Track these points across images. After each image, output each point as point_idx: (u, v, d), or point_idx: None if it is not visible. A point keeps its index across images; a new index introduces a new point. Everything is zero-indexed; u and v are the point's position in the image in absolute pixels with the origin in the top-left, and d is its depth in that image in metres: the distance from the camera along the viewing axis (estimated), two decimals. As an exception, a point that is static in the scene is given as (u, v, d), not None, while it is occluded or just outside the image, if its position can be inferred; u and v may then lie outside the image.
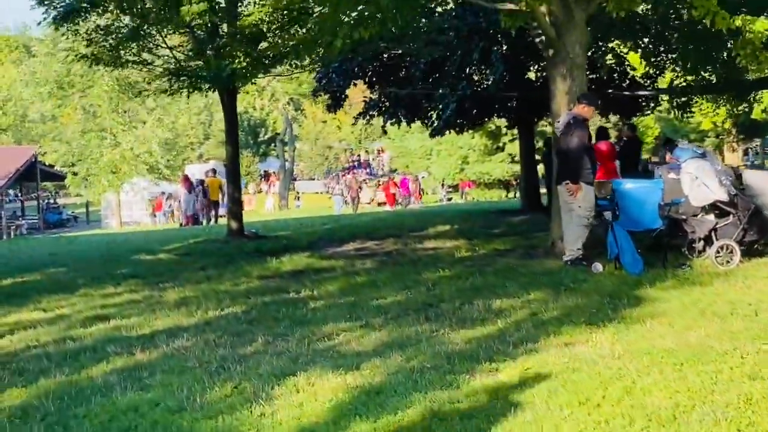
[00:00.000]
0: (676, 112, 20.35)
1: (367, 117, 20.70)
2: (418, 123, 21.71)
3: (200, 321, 8.26)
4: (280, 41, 13.17)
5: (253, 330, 7.68)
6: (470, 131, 25.50)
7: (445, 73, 19.00)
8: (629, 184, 9.85)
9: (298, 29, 12.84)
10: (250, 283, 10.53)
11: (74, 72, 41.95)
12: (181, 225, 29.30)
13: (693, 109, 21.29)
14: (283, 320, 8.04)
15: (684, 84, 19.48)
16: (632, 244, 9.38)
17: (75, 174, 43.31)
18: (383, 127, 20.94)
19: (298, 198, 61.01)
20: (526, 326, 7.15)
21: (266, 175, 75.77)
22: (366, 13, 9.28)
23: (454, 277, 9.86)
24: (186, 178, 29.67)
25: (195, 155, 75.76)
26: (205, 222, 28.85)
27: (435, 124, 20.60)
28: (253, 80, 14.64)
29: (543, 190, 21.60)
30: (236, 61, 12.99)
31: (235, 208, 15.98)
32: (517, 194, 42.73)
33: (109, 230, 36.07)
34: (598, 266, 9.48)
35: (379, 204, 44.25)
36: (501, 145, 36.73)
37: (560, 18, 10.25)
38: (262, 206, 53.05)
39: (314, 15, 11.48)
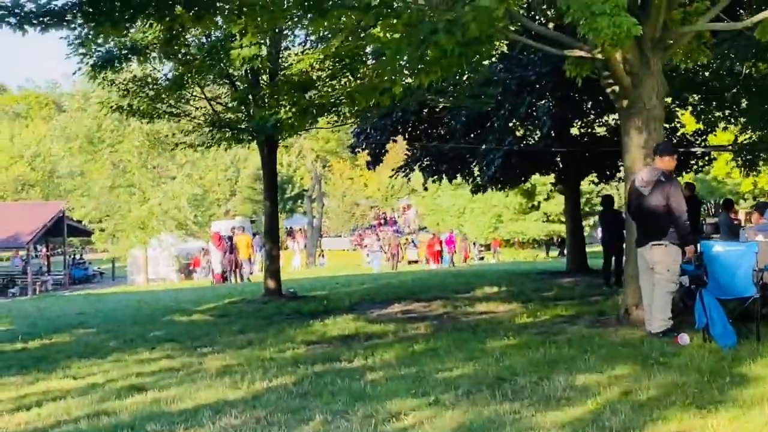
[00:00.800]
0: (742, 170, 19.47)
1: (407, 172, 19.98)
2: (447, 180, 20.91)
3: (247, 394, 7.41)
4: (330, 90, 12.54)
5: (308, 405, 6.82)
6: (509, 189, 24.79)
7: (488, 128, 18.35)
8: (719, 247, 8.95)
9: (350, 77, 12.24)
10: (297, 349, 9.67)
11: (105, 127, 41.81)
12: (212, 283, 28.60)
13: (759, 168, 20.32)
14: (340, 394, 7.17)
15: (749, 141, 18.66)
16: (723, 313, 8.45)
17: (102, 230, 42.88)
18: (424, 183, 20.25)
19: (323, 255, 60.14)
20: (623, 408, 6.24)
21: (290, 232, 75.14)
22: (428, 58, 8.55)
23: (522, 347, 8.96)
24: (217, 236, 29.04)
25: (221, 211, 75.55)
26: (232, 280, 28.16)
27: (477, 181, 19.86)
28: (299, 131, 13.97)
29: (589, 249, 20.79)
30: (282, 110, 12.35)
31: (273, 266, 15.20)
32: (552, 253, 41.81)
33: (136, 287, 35.36)
34: (685, 338, 8.56)
35: (409, 262, 43.42)
36: (536, 203, 35.97)
37: (636, 66, 9.49)
38: (288, 264, 52.23)
39: (370, 61, 10.85)
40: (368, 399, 6.94)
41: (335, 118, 14.73)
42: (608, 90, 10.05)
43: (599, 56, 9.37)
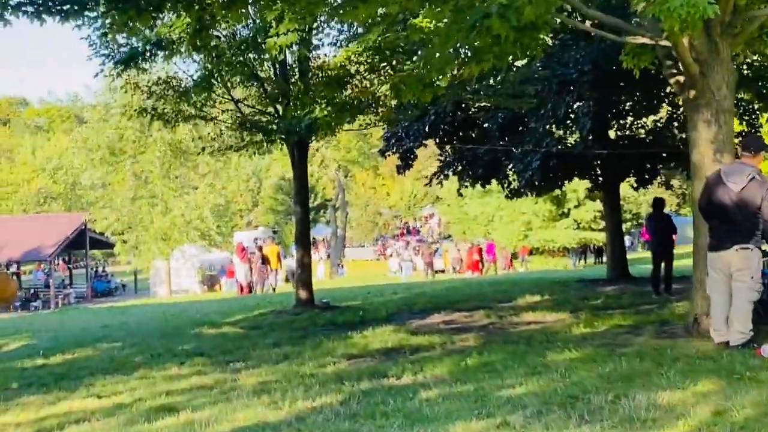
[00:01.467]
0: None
1: (441, 177, 19.22)
2: (480, 185, 20.05)
3: (289, 415, 6.69)
4: (368, 85, 11.83)
5: (360, 429, 6.09)
6: (545, 194, 24.00)
7: (524, 130, 17.60)
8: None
9: (390, 71, 11.54)
10: (338, 364, 8.92)
11: (126, 137, 41.39)
12: (237, 294, 28.01)
13: None
14: (394, 416, 6.42)
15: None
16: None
17: (125, 242, 42.39)
18: (459, 189, 19.45)
19: (341, 266, 59.11)
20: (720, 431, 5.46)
21: (313, 242, 74.35)
22: (480, 46, 7.81)
23: (587, 360, 8.16)
24: (241, 247, 28.44)
25: (244, 222, 75.12)
26: (258, 290, 27.53)
27: (512, 185, 19.09)
28: (335, 131, 13.22)
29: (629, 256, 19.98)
30: (317, 108, 11.63)
31: (305, 275, 14.46)
32: (586, 261, 40.81)
33: (160, 299, 34.80)
34: (767, 349, 7.74)
35: (435, 272, 42.52)
36: (566, 210, 35.12)
37: (704, 53, 8.70)
38: (312, 274, 51.61)
39: (416, 51, 10.14)
40: (427, 421, 6.19)
41: (373, 118, 13.96)
42: (672, 81, 9.26)
43: (664, 42, 8.60)
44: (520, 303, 14.43)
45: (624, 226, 38.64)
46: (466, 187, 19.58)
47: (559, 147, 17.35)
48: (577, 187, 31.66)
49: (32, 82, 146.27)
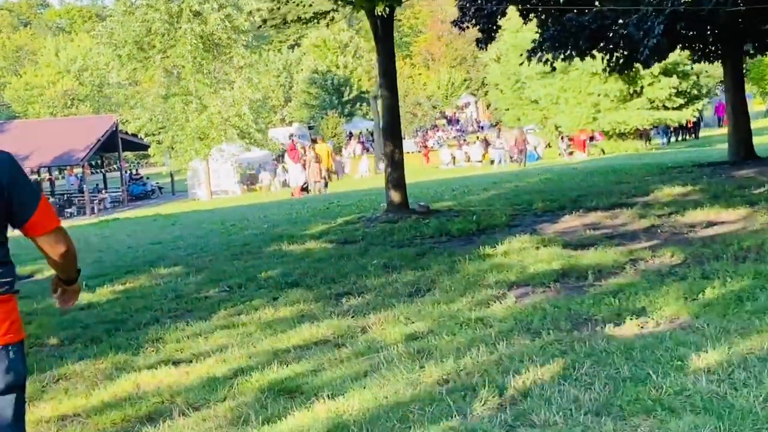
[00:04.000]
0: None
1: (539, 53, 16.13)
2: (579, 58, 16.88)
3: (500, 407, 4.12)
4: None
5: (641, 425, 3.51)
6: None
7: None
8: None
9: None
10: (503, 300, 6.28)
11: (154, 30, 38.35)
12: (291, 195, 25.59)
13: None
14: (678, 406, 3.82)
15: None
16: None
17: (159, 143, 39.87)
18: (552, 62, 16.37)
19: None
20: None
21: (350, 136, 71.29)
22: None
23: None
24: (292, 147, 25.87)
25: (277, 119, 72.33)
26: (314, 190, 25.06)
27: (619, 57, 16.06)
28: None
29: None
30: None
31: (397, 174, 11.69)
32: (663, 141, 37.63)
33: (202, 203, 32.47)
34: None
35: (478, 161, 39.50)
36: (638, 89, 31.80)
37: None
38: (355, 170, 48.65)
39: None
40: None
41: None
42: None
43: None
44: (661, 196, 11.66)
45: (700, 104, 35.39)
46: (563, 60, 16.49)
47: (686, 4, 14.18)
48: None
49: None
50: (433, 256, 8.43)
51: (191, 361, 5.50)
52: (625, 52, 15.68)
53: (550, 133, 42.42)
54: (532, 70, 35.10)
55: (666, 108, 32.84)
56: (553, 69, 17.27)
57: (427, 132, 69.11)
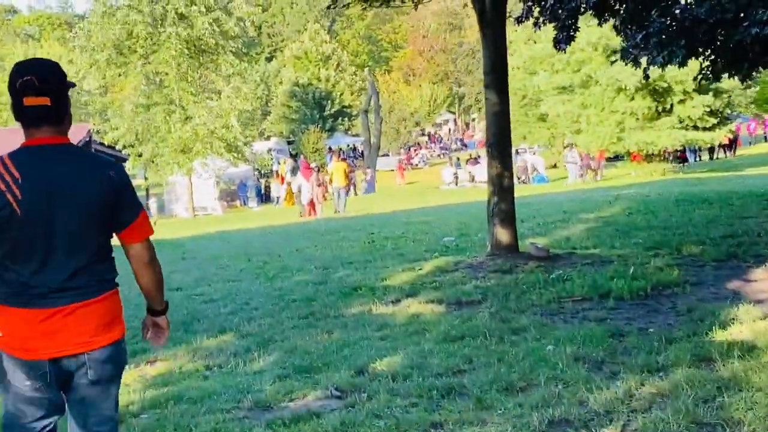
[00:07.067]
0: None
1: (634, 56, 13.40)
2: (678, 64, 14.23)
3: None
4: None
5: None
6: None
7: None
8: None
9: None
10: None
11: (136, 34, 35.33)
12: (300, 214, 22.80)
13: None
14: None
15: None
16: None
17: (140, 155, 36.73)
18: (645, 68, 13.76)
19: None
20: None
21: (329, 151, 68.09)
22: None
23: None
24: (306, 164, 23.23)
25: (256, 132, 69.13)
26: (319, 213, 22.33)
27: (720, 61, 13.40)
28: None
29: None
30: None
31: (506, 205, 8.76)
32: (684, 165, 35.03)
33: (188, 221, 29.33)
34: None
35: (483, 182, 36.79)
36: (668, 107, 29.20)
37: None
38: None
39: None
40: None
41: None
42: None
43: None
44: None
45: (732, 124, 32.91)
46: (659, 66, 13.86)
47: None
48: (685, 77, 25.66)
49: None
50: (640, 339, 5.55)
51: None
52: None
53: (558, 153, 39.97)
54: (548, 85, 32.62)
55: (696, 128, 30.27)
56: (646, 77, 14.55)
57: (410, 150, 66.38)
